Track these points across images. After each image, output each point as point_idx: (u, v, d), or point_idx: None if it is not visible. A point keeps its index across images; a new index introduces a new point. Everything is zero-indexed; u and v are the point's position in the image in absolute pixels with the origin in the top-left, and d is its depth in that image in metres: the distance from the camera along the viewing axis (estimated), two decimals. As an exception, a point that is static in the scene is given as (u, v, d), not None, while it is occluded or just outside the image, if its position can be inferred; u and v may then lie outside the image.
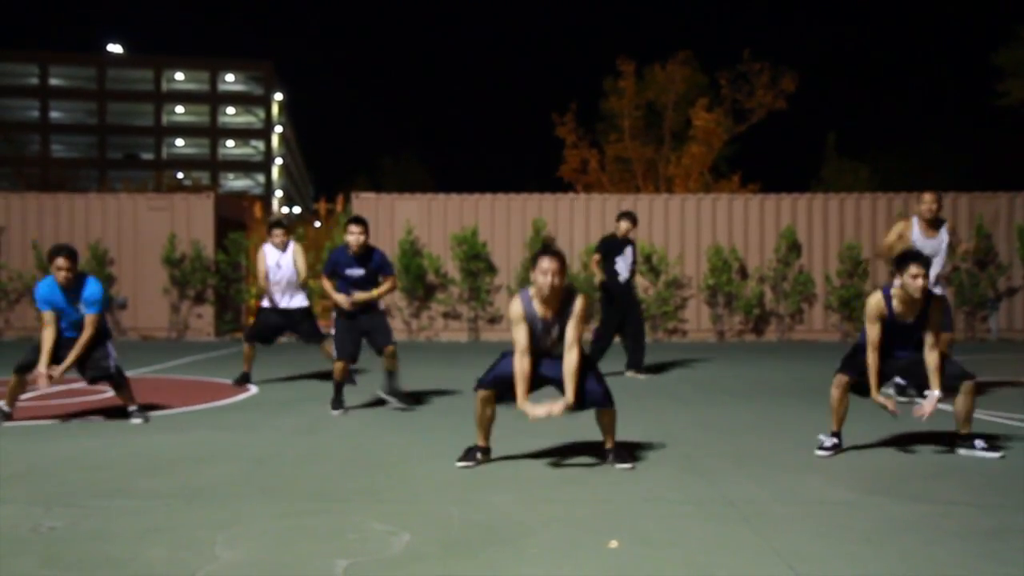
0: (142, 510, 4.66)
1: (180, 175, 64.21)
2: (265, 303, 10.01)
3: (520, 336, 5.58)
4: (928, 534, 4.23)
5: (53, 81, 72.20)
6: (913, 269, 5.85)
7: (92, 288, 7.29)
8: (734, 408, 8.20)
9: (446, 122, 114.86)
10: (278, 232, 9.89)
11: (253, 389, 9.57)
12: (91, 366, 7.34)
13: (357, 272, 7.99)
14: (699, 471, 5.58)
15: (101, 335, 7.40)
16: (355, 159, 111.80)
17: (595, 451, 6.06)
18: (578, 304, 5.58)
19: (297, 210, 76.69)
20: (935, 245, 8.45)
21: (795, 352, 14.51)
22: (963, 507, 4.72)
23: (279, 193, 77.45)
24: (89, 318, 7.26)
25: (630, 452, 5.89)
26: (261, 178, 76.25)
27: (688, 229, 17.26)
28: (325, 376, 10.40)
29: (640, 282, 15.91)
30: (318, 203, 38.39)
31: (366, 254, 8.03)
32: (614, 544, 4.06)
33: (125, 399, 7.53)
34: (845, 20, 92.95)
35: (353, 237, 7.94)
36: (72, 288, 7.21)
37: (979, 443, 6.04)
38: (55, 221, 17.45)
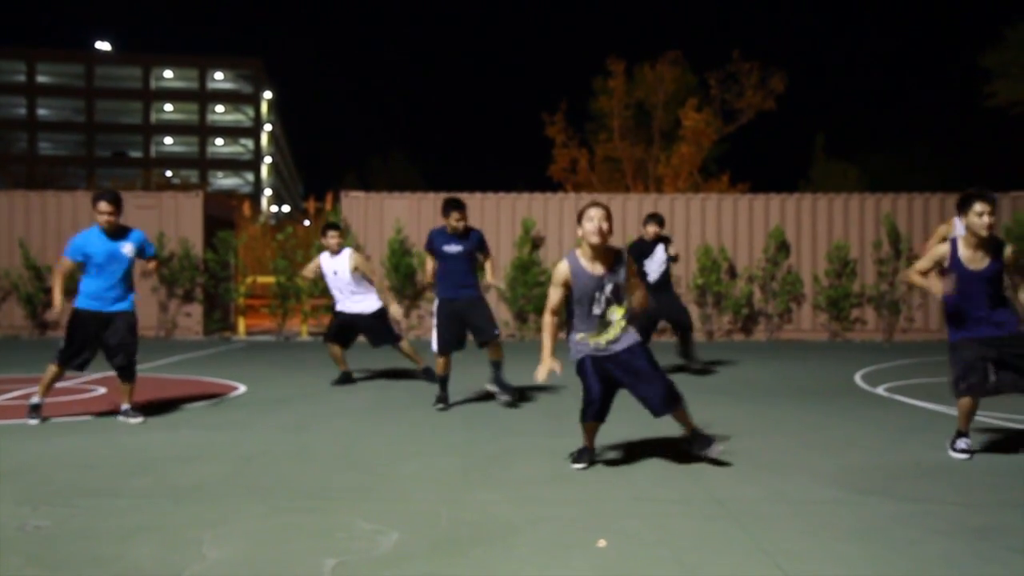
0: (130, 509, 4.64)
1: (169, 173, 64.05)
2: (337, 307, 9.78)
3: (555, 297, 5.61)
4: (916, 533, 4.25)
5: (40, 78, 71.79)
6: (978, 207, 5.66)
7: (138, 233, 7.46)
8: (723, 407, 8.22)
9: (436, 121, 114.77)
10: (333, 234, 9.53)
11: (241, 388, 9.54)
12: (121, 350, 7.32)
13: (455, 248, 8.03)
14: (687, 470, 5.59)
15: (135, 326, 7.45)
16: (344, 158, 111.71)
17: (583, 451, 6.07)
18: (627, 257, 5.59)
19: (286, 209, 76.53)
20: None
21: (783, 352, 14.56)
22: (950, 506, 4.74)
23: (268, 192, 77.25)
24: (152, 261, 7.56)
25: (711, 439, 5.82)
26: (250, 176, 76.02)
27: (677, 229, 17.27)
28: (313, 374, 10.39)
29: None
30: (307, 202, 38.34)
31: (464, 233, 8.09)
32: (603, 543, 4.07)
33: (126, 395, 7.50)
34: (834, 21, 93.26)
35: (455, 223, 8.09)
36: (116, 234, 7.29)
37: None
38: (42, 219, 17.36)
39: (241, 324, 17.91)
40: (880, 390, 9.42)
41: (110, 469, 5.60)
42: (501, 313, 16.86)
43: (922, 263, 6.01)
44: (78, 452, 6.14)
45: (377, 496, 4.98)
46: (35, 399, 7.33)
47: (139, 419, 7.36)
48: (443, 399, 8.08)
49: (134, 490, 5.08)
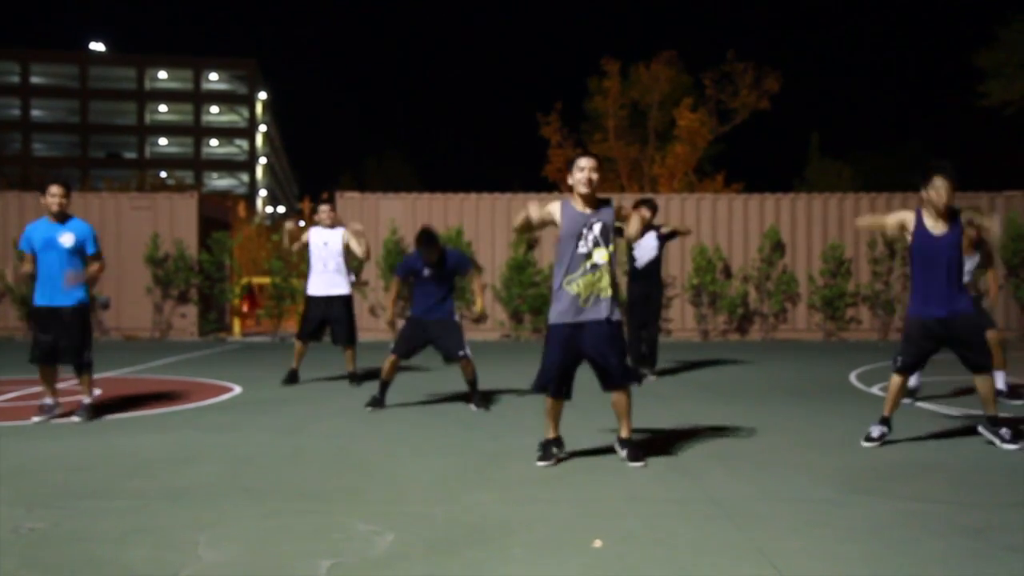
0: (124, 511, 4.63)
1: (163, 174, 63.83)
2: (309, 290, 9.75)
3: (534, 214, 5.67)
4: (911, 532, 4.25)
5: (34, 79, 71.61)
6: (937, 182, 6.08)
7: (81, 223, 7.45)
8: (718, 407, 8.22)
9: (431, 121, 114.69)
10: (324, 209, 9.73)
11: (236, 389, 9.53)
12: (70, 352, 7.35)
13: (428, 271, 8.02)
14: (683, 470, 5.59)
15: (88, 326, 7.45)
16: (340, 158, 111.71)
17: (579, 451, 6.07)
18: (613, 205, 5.75)
19: (281, 209, 76.40)
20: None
21: (779, 351, 14.57)
22: (946, 505, 4.74)
23: (263, 192, 77.15)
24: (93, 259, 7.45)
25: (643, 449, 5.86)
26: (245, 177, 75.92)
27: (672, 229, 17.28)
28: (308, 376, 10.36)
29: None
30: (302, 202, 38.28)
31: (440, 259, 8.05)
32: (598, 543, 4.07)
33: (84, 390, 7.55)
34: (828, 21, 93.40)
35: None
36: (59, 220, 7.33)
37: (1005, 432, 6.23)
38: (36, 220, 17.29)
39: (236, 325, 17.88)
40: (875, 389, 9.43)
41: (105, 471, 5.59)
42: (496, 313, 16.87)
43: (883, 217, 6.53)
44: (72, 454, 6.12)
45: (373, 497, 4.97)
46: (47, 400, 7.49)
47: (79, 419, 7.36)
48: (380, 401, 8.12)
49: (129, 492, 5.06)
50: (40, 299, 7.36)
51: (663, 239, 10.27)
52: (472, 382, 8.10)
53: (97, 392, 8.96)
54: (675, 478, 5.38)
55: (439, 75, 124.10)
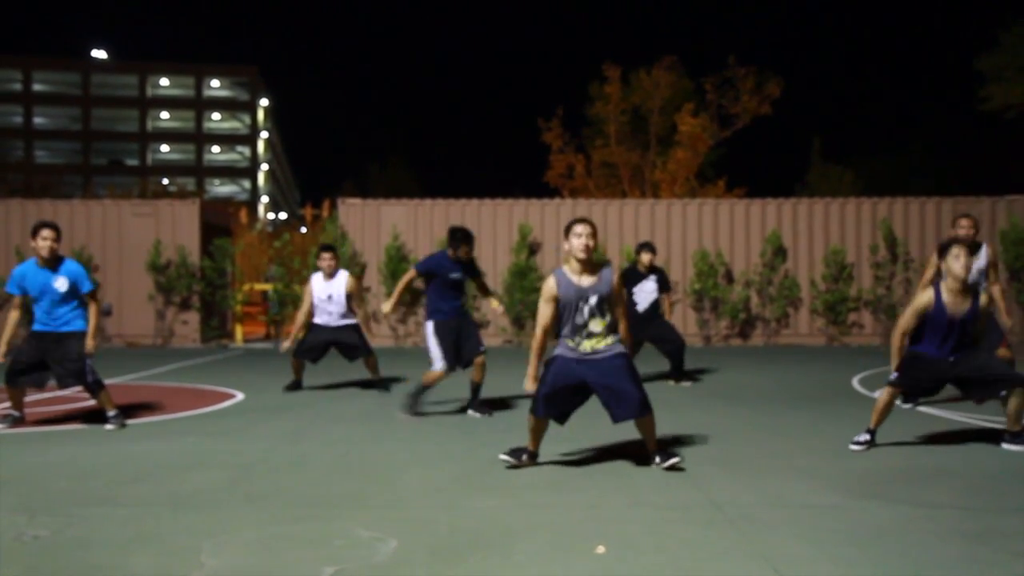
0: (127, 518, 4.63)
1: (165, 181, 63.89)
2: (317, 320, 9.58)
3: (545, 313, 5.70)
4: (914, 537, 4.25)
5: (37, 87, 71.73)
6: (954, 250, 6.14)
7: (72, 264, 7.42)
8: (720, 412, 8.22)
9: (433, 128, 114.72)
10: (326, 256, 9.40)
11: (239, 396, 9.53)
12: (71, 375, 7.33)
13: (456, 275, 8.00)
14: (685, 475, 5.58)
15: (84, 351, 7.41)
16: (341, 165, 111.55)
17: (581, 457, 6.07)
18: (613, 276, 5.68)
19: (283, 216, 76.45)
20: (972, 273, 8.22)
21: (781, 356, 14.56)
22: (949, 510, 4.74)
23: (265, 199, 77.19)
24: (88, 296, 7.43)
25: (672, 450, 5.96)
26: (247, 184, 75.98)
27: (674, 234, 17.30)
28: (311, 382, 10.36)
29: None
30: (304, 209, 38.33)
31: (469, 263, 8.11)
32: (601, 550, 4.06)
33: (106, 405, 7.50)
34: (830, 26, 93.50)
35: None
36: (51, 265, 7.32)
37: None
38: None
39: (238, 332, 17.89)
40: (878, 394, 9.40)
41: (107, 477, 5.59)
42: (498, 319, 16.86)
43: (908, 319, 6.40)
44: (75, 460, 6.12)
45: (375, 503, 4.97)
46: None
47: (113, 426, 7.37)
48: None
49: (132, 498, 5.07)
50: (39, 326, 7.40)
51: (662, 282, 10.30)
52: (478, 386, 8.13)
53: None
54: (677, 483, 5.38)
55: (440, 81, 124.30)
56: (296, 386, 9.86)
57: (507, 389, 9.53)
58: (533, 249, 17.06)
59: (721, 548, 4.10)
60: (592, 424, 6.99)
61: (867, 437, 6.41)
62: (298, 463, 6.07)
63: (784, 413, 8.21)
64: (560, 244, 17.06)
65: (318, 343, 9.58)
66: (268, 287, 18.32)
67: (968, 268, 6.15)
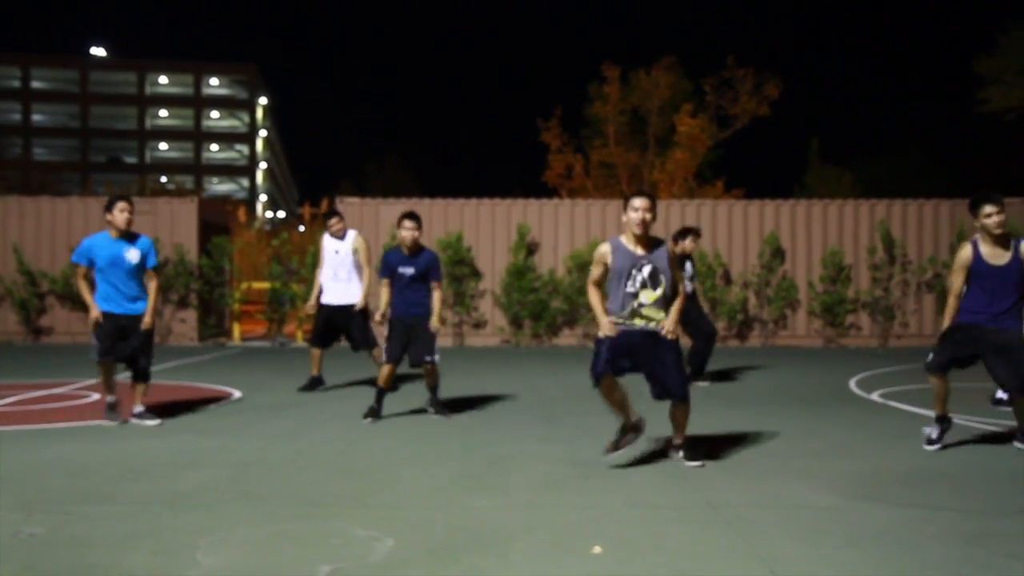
0: (124, 516, 4.62)
1: (164, 179, 63.89)
2: (323, 299, 9.82)
3: (596, 272, 5.78)
4: (910, 539, 4.25)
5: (35, 84, 71.69)
6: (987, 208, 6.07)
7: (146, 239, 7.50)
8: (717, 413, 8.21)
9: (431, 127, 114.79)
10: (334, 221, 9.86)
11: (236, 394, 9.52)
12: (140, 352, 7.43)
13: (408, 270, 7.98)
14: (682, 476, 5.58)
15: (152, 332, 7.54)
16: (340, 163, 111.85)
17: (578, 457, 6.06)
18: (668, 246, 5.76)
19: (281, 214, 76.44)
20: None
21: (778, 358, 14.56)
22: (945, 512, 4.74)
23: (263, 197, 77.17)
24: (151, 273, 7.48)
25: (700, 450, 5.98)
26: (245, 182, 75.95)
27: (672, 235, 17.27)
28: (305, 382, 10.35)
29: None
30: (303, 207, 38.31)
31: (418, 252, 8.06)
32: (598, 550, 4.06)
33: (138, 396, 7.56)
34: (829, 28, 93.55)
35: (407, 232, 7.96)
36: (125, 238, 7.34)
37: None
38: (36, 225, 17.31)
39: (236, 330, 17.88)
40: (875, 396, 9.43)
41: (104, 475, 5.58)
42: (496, 319, 16.87)
43: (953, 280, 6.37)
44: (72, 458, 6.11)
45: (372, 502, 4.97)
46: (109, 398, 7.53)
47: (155, 421, 7.44)
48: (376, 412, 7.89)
49: (128, 497, 5.06)
50: (108, 306, 7.36)
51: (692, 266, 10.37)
52: (435, 388, 8.07)
53: (95, 397, 8.97)
54: (675, 484, 5.38)
55: (439, 80, 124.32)
56: (314, 384, 9.82)
57: (505, 389, 9.53)
58: (531, 249, 17.05)
59: (718, 549, 4.10)
60: (590, 424, 6.99)
61: (937, 430, 6.38)
62: (295, 462, 6.07)
63: (781, 414, 8.21)
64: (558, 243, 17.10)
65: (328, 322, 9.79)
66: (265, 285, 18.29)
67: (1001, 225, 6.05)
